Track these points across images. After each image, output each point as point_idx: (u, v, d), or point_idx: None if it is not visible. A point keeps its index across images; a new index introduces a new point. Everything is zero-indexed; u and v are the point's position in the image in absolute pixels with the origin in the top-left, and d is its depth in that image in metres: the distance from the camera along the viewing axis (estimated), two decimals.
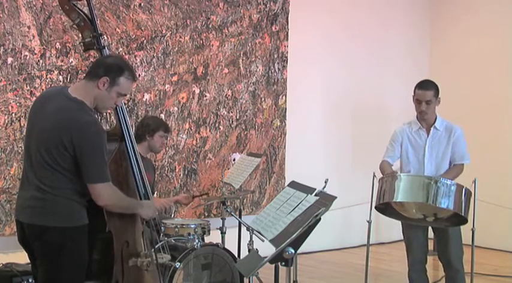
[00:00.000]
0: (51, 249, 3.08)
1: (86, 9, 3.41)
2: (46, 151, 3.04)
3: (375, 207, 4.40)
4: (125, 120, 3.37)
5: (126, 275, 3.31)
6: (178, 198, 5.18)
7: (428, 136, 4.53)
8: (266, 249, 2.75)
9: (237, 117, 6.55)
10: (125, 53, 5.68)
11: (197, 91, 6.23)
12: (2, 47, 5.01)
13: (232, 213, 4.75)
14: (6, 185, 5.05)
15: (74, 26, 3.42)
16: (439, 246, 4.58)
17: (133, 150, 3.38)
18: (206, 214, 6.28)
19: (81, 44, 3.44)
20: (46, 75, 5.23)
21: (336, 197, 2.72)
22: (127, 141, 3.36)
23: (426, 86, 4.46)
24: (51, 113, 3.09)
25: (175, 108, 6.08)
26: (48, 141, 3.04)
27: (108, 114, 5.54)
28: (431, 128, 4.52)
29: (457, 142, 4.49)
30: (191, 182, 6.23)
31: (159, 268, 3.57)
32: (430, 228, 4.62)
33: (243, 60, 6.56)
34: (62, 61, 5.31)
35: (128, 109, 5.71)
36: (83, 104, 3.11)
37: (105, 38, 5.52)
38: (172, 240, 4.57)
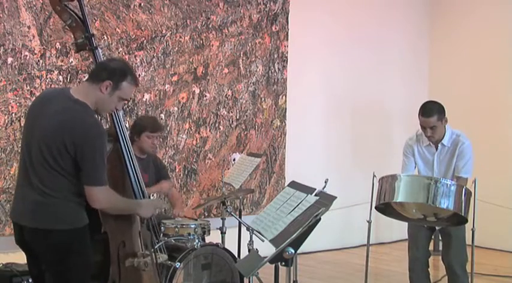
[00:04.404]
0: (56, 252, 3.08)
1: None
2: (47, 151, 3.04)
3: (375, 207, 4.40)
4: (119, 121, 3.37)
5: (123, 276, 3.30)
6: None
7: (436, 151, 4.58)
8: (266, 249, 2.75)
9: (237, 117, 6.55)
10: (124, 53, 5.69)
11: (197, 91, 6.23)
12: (2, 47, 5.01)
13: (232, 213, 4.74)
14: (6, 185, 5.05)
15: (66, 27, 3.42)
16: (443, 249, 4.64)
17: (128, 150, 3.38)
18: (206, 214, 6.28)
19: (74, 44, 3.43)
20: (46, 75, 5.23)
21: (336, 197, 2.72)
22: (121, 142, 3.36)
23: (428, 113, 4.44)
24: (54, 113, 3.09)
25: (175, 108, 6.08)
26: (50, 141, 3.04)
27: (107, 114, 5.53)
28: (439, 145, 4.57)
29: (461, 154, 4.51)
30: (191, 182, 6.23)
31: (158, 268, 3.56)
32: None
33: (243, 60, 6.56)
34: (62, 61, 5.31)
35: (128, 109, 5.72)
36: (85, 106, 3.12)
37: (105, 38, 5.56)
38: (172, 240, 4.57)
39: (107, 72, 3.13)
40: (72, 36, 3.42)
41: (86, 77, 3.25)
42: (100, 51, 3.41)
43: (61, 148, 3.02)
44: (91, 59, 5.14)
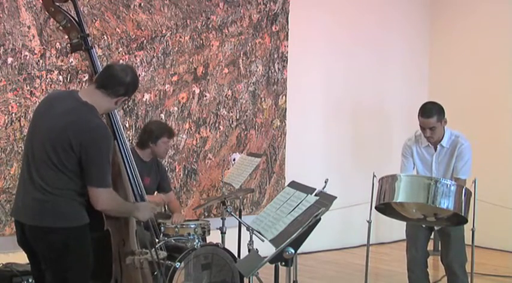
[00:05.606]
0: (55, 250, 3.09)
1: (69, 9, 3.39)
2: (53, 150, 3.06)
3: (375, 207, 4.40)
4: (116, 120, 3.40)
5: (124, 273, 3.33)
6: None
7: (435, 152, 4.58)
8: (266, 249, 2.75)
9: (237, 117, 6.54)
10: (124, 53, 5.69)
11: (197, 91, 6.23)
12: (2, 47, 5.01)
13: (232, 213, 4.74)
14: (6, 185, 5.05)
15: (60, 27, 3.41)
16: (441, 249, 4.65)
17: (125, 148, 3.40)
18: (206, 214, 6.28)
19: (69, 45, 3.42)
20: (46, 75, 5.23)
21: (336, 197, 2.72)
22: (118, 140, 3.38)
23: (428, 114, 4.43)
24: (61, 113, 3.12)
25: (175, 108, 6.08)
26: (56, 141, 3.06)
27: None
28: (438, 146, 4.56)
29: (460, 155, 4.51)
30: (191, 182, 6.23)
31: (160, 266, 3.58)
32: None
33: (243, 60, 6.56)
34: (62, 61, 5.31)
35: (128, 109, 5.72)
36: (93, 108, 3.16)
37: (105, 38, 5.56)
38: (172, 240, 4.57)
39: (124, 89, 3.20)
40: (67, 36, 3.42)
41: (95, 83, 3.23)
42: (95, 50, 3.41)
43: (67, 148, 3.04)
44: None
